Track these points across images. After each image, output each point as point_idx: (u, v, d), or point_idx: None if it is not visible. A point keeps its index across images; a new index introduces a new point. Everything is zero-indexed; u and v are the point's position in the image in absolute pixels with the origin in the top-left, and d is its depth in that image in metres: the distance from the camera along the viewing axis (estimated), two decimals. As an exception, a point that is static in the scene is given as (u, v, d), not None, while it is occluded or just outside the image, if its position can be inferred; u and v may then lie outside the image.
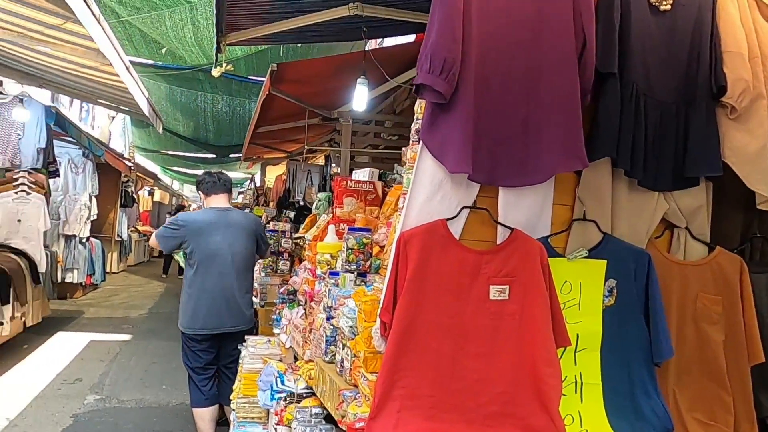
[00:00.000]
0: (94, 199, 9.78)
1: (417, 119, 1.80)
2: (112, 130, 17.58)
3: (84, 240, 9.65)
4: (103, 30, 3.65)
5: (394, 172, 3.10)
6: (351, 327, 1.87)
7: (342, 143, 5.71)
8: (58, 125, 6.90)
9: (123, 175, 13.85)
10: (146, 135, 18.92)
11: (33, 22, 4.17)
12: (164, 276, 14.16)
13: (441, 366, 1.65)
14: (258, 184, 25.79)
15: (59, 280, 9.19)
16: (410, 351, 1.64)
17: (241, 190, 24.89)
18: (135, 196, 15.34)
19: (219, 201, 4.07)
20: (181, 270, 15.17)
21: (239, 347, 3.54)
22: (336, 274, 2.22)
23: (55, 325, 7.32)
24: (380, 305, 1.68)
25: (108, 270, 13.35)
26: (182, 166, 24.73)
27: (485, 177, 1.73)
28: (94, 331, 7.43)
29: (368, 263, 2.27)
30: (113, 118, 18.11)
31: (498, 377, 1.66)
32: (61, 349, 6.45)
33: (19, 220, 6.36)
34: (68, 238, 9.37)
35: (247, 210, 13.43)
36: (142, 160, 17.48)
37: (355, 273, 2.23)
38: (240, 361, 3.34)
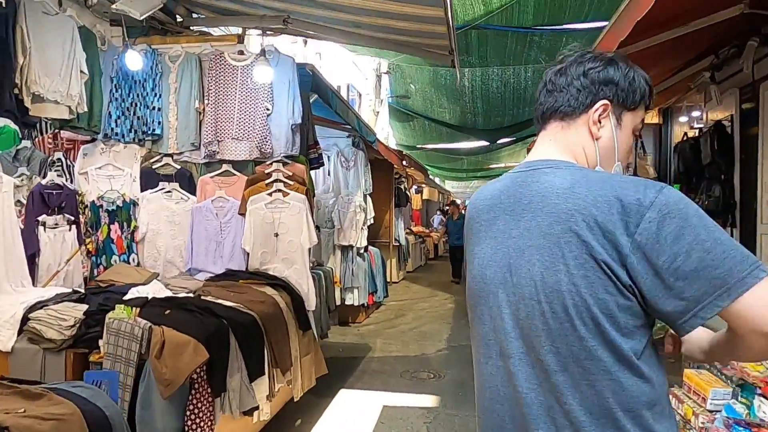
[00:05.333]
0: (369, 199, 7.78)
1: None
2: (378, 125, 16.25)
3: (362, 250, 7.72)
4: None
5: None
6: None
7: None
8: (318, 93, 4.74)
9: (395, 170, 12.06)
10: (410, 129, 17.28)
11: None
12: (456, 281, 12.47)
13: None
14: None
15: (338, 302, 7.37)
16: None
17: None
18: (408, 194, 13.56)
19: (541, 145, 1.41)
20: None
21: None
22: None
23: (335, 377, 5.23)
24: None
25: (388, 280, 11.64)
26: (444, 162, 23.07)
27: None
28: (386, 387, 5.13)
29: None
30: (378, 113, 16.82)
31: None
32: (346, 427, 4.21)
33: (276, 235, 4.31)
34: (344, 250, 7.51)
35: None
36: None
37: None
38: None
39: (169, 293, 3.59)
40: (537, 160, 1.36)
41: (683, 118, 7.87)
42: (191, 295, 3.61)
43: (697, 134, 6.70)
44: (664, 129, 8.21)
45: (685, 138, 6.89)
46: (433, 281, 12.25)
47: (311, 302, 4.33)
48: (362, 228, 7.51)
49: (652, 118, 8.59)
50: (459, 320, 8.23)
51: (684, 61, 6.49)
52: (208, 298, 3.52)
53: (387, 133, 15.66)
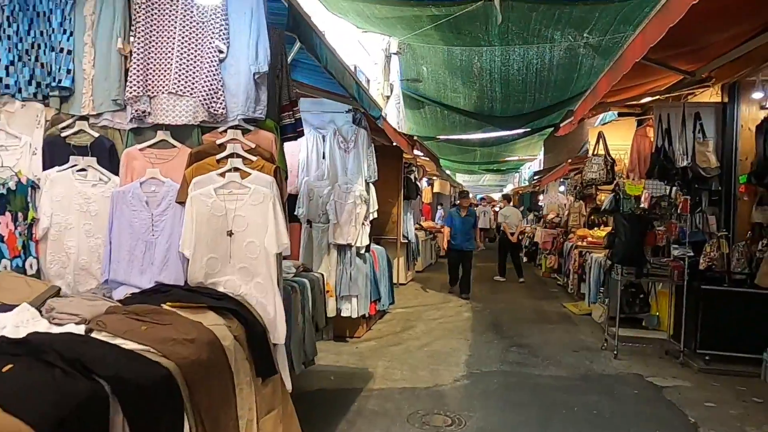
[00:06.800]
0: (372, 189, 6.42)
1: None
2: (387, 111, 14.87)
3: (363, 250, 6.37)
4: None
5: None
6: None
7: None
8: (298, 35, 3.38)
9: (404, 158, 10.72)
10: (420, 117, 15.93)
11: None
12: (453, 291, 10.39)
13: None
14: (543, 166, 21.10)
15: (333, 313, 6.05)
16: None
17: (537, 172, 20.53)
18: (418, 185, 12.19)
19: None
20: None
21: None
22: None
23: (322, 420, 3.93)
24: None
25: (395, 281, 10.31)
26: (456, 153, 21.65)
27: None
28: (388, 439, 3.80)
29: None
30: (387, 97, 15.44)
31: None
32: None
33: (229, 233, 2.98)
34: (341, 250, 6.16)
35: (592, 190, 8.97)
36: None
37: None
38: None
39: (42, 327, 2.27)
40: None
41: (757, 95, 6.46)
42: (80, 330, 2.29)
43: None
44: (729, 109, 6.80)
45: (775, 115, 5.49)
46: (446, 283, 10.88)
47: (279, 333, 3.00)
48: (363, 223, 6.16)
49: (713, 95, 7.18)
50: (479, 335, 6.87)
51: (760, 23, 5.10)
52: (101, 336, 2.20)
53: (399, 121, 14.22)
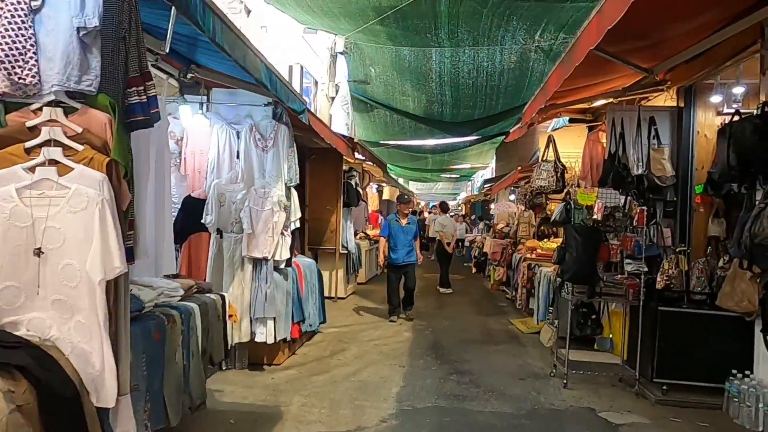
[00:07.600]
0: (294, 193, 5.60)
1: None
2: (333, 113, 14.06)
3: (282, 265, 5.53)
4: None
5: None
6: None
7: None
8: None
9: (344, 163, 9.97)
10: (369, 121, 15.24)
11: None
12: (394, 320, 8.40)
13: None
14: (494, 174, 20.77)
15: (246, 337, 5.19)
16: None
17: (487, 181, 20.14)
18: (360, 191, 11.40)
19: None
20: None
21: None
22: None
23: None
24: None
25: (333, 295, 9.55)
26: (408, 161, 21.12)
27: None
28: None
29: None
30: (332, 98, 14.70)
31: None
32: None
33: (38, 252, 2.13)
34: (257, 265, 5.30)
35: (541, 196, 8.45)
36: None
37: None
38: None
39: None
40: None
41: (716, 98, 6.00)
42: None
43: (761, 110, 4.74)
44: (686, 114, 6.33)
45: (740, 117, 4.96)
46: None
47: (108, 393, 2.12)
48: (283, 233, 5.33)
49: (668, 100, 6.71)
50: (416, 359, 6.13)
51: (724, 16, 4.60)
52: None
53: (348, 124, 13.40)
